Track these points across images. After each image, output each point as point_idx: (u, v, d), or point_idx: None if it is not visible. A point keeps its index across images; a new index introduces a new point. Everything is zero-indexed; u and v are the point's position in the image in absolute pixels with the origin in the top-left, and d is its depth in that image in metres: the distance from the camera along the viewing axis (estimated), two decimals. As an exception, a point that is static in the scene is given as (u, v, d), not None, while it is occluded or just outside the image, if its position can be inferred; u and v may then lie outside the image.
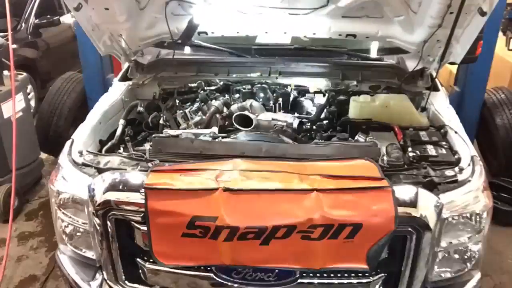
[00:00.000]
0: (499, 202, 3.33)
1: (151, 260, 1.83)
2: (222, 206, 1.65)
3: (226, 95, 2.72)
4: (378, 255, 1.70)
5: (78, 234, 2.01)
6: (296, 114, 2.57)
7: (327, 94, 2.70)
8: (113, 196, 1.78)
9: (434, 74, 2.63)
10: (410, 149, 2.02)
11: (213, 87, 2.77)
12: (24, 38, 5.56)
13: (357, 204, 1.65)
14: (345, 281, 1.82)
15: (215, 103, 2.58)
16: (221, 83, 2.79)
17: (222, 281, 1.85)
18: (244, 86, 2.72)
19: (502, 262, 3.03)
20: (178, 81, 2.85)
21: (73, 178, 1.95)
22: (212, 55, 3.07)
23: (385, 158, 1.93)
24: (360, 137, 2.24)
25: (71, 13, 2.47)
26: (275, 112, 2.61)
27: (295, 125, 2.38)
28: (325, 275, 1.83)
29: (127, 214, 1.80)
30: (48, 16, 5.83)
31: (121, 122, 2.42)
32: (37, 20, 5.75)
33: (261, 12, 2.67)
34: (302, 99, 2.78)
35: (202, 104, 2.63)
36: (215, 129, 2.23)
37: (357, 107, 2.41)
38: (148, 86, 2.84)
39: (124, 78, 2.86)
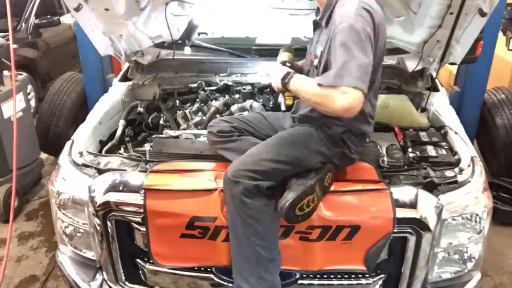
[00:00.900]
0: (499, 202, 3.33)
1: (151, 261, 1.83)
2: (221, 206, 1.65)
3: (226, 96, 2.72)
4: (376, 256, 1.71)
5: (78, 234, 2.01)
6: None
7: None
8: (113, 197, 1.79)
9: (434, 75, 2.63)
10: (410, 149, 2.02)
11: (213, 87, 2.76)
12: (24, 38, 5.55)
13: (355, 206, 1.66)
14: (345, 282, 1.82)
15: (215, 104, 2.58)
16: (222, 83, 2.79)
17: (222, 282, 1.85)
18: (244, 87, 2.72)
19: (502, 262, 3.03)
20: (178, 82, 2.85)
21: (73, 178, 1.95)
22: (212, 55, 3.07)
23: (385, 158, 1.94)
24: (360, 138, 2.24)
25: (71, 13, 2.46)
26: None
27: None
28: (325, 276, 1.83)
29: (127, 215, 1.80)
30: (48, 16, 5.82)
31: (121, 122, 2.42)
32: (37, 20, 5.74)
33: (261, 12, 2.67)
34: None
35: (202, 104, 2.63)
36: (215, 130, 2.23)
37: (357, 107, 2.41)
38: (148, 86, 2.84)
39: (124, 79, 2.86)
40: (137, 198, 1.74)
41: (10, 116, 3.37)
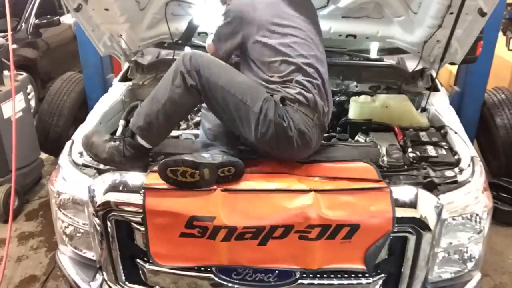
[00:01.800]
0: (499, 202, 3.33)
1: (151, 261, 1.83)
2: (220, 206, 1.66)
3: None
4: (376, 256, 1.71)
5: (78, 234, 2.01)
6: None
7: None
8: (113, 197, 1.78)
9: (434, 75, 2.63)
10: (410, 149, 2.02)
11: None
12: (24, 38, 5.56)
13: (355, 205, 1.66)
14: (345, 282, 1.82)
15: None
16: None
17: (222, 282, 1.85)
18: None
19: (502, 262, 3.03)
20: None
21: (73, 178, 1.95)
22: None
23: (385, 158, 1.94)
24: (360, 138, 2.24)
25: (71, 13, 2.46)
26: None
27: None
28: (325, 276, 1.83)
29: (127, 215, 1.80)
30: (48, 16, 5.82)
31: (121, 122, 2.42)
32: (37, 20, 5.74)
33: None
34: None
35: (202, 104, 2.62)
36: (215, 130, 2.23)
37: (357, 107, 2.41)
38: (148, 86, 2.83)
39: (124, 79, 2.86)
40: (137, 198, 1.73)
41: (10, 116, 3.37)
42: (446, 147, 2.07)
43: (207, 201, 1.67)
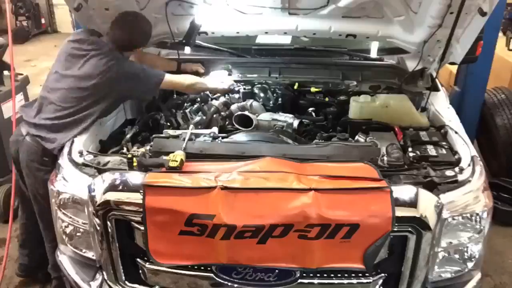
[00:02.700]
0: (499, 202, 3.33)
1: (151, 260, 1.83)
2: (219, 204, 1.66)
3: (226, 95, 2.71)
4: (375, 255, 1.71)
5: (78, 234, 2.00)
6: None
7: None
8: (113, 196, 1.78)
9: (434, 74, 2.63)
10: (410, 149, 2.02)
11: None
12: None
13: (354, 205, 1.65)
14: (345, 281, 1.82)
15: (215, 103, 2.58)
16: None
17: (222, 281, 1.85)
18: (244, 86, 2.72)
19: (502, 262, 3.03)
20: None
21: (73, 178, 1.95)
22: (212, 55, 3.07)
23: (385, 158, 1.93)
24: (360, 137, 2.24)
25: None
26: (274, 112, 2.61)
27: (295, 125, 2.38)
28: (325, 275, 1.83)
29: (127, 214, 1.80)
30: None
31: (136, 128, 2.41)
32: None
33: (261, 12, 2.67)
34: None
35: (202, 104, 2.63)
36: (215, 129, 2.23)
37: (357, 107, 2.41)
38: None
39: (124, 78, 2.85)
40: (137, 197, 1.73)
41: (10, 116, 3.37)
42: (446, 146, 2.07)
43: (207, 199, 1.67)
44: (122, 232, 1.87)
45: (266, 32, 2.82)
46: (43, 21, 11.10)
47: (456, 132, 2.14)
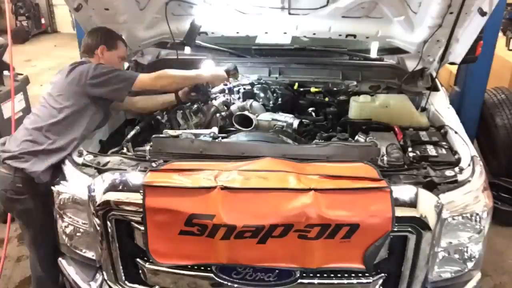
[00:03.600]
0: (499, 202, 3.33)
1: (151, 260, 1.83)
2: (219, 204, 1.65)
3: (226, 95, 2.71)
4: (375, 255, 1.71)
5: (78, 234, 2.01)
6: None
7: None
8: (113, 196, 1.78)
9: (434, 74, 2.63)
10: (410, 149, 2.02)
11: (216, 89, 2.76)
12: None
13: (354, 205, 1.65)
14: (345, 281, 1.82)
15: (215, 103, 2.57)
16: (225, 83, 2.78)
17: (222, 281, 1.85)
18: (244, 86, 2.72)
19: (502, 262, 3.03)
20: None
21: (73, 178, 1.95)
22: (212, 55, 3.07)
23: (385, 158, 1.93)
24: (360, 137, 2.24)
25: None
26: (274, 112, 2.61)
27: (295, 125, 2.38)
28: (325, 275, 1.83)
29: (127, 214, 1.80)
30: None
31: (137, 128, 2.40)
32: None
33: (261, 12, 2.67)
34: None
35: (202, 104, 2.63)
36: (215, 129, 2.23)
37: (357, 107, 2.41)
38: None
39: (124, 78, 2.85)
40: (137, 197, 1.73)
41: (10, 116, 3.37)
42: (446, 146, 2.07)
43: (207, 199, 1.67)
44: (122, 232, 1.87)
45: (266, 32, 2.82)
46: (43, 21, 11.10)
47: (456, 132, 2.14)
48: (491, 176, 3.74)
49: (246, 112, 2.48)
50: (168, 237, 1.72)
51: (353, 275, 1.82)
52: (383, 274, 1.84)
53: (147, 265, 1.90)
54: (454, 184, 1.80)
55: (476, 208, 1.79)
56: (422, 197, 1.70)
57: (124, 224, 1.85)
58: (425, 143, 2.09)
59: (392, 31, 2.64)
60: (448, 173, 1.84)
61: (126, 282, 1.98)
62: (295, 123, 2.38)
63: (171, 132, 2.20)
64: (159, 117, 2.52)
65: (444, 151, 2.02)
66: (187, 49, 3.05)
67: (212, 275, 1.85)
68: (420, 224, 1.69)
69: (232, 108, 2.56)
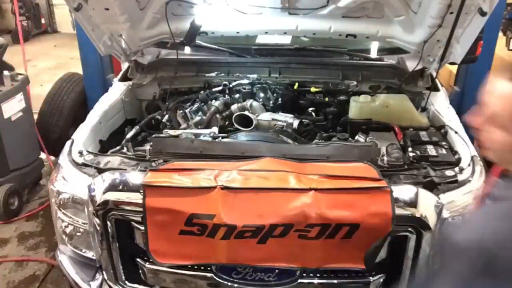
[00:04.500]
0: (499, 202, 3.32)
1: (151, 260, 1.83)
2: (219, 204, 1.65)
3: (226, 95, 2.71)
4: (375, 255, 1.71)
5: (78, 234, 2.00)
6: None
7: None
8: (113, 196, 1.78)
9: (434, 74, 2.63)
10: (410, 149, 2.02)
11: (216, 88, 2.76)
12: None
13: (354, 204, 1.65)
14: (345, 281, 1.82)
15: (215, 103, 2.58)
16: (222, 83, 2.78)
17: (222, 281, 1.85)
18: (244, 86, 2.72)
19: (502, 262, 3.02)
20: (178, 81, 2.85)
21: (73, 178, 1.95)
22: (212, 55, 3.07)
23: (385, 158, 1.93)
24: (360, 137, 2.24)
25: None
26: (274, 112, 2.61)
27: (295, 125, 2.38)
28: (325, 275, 1.83)
29: (127, 214, 1.80)
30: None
31: (136, 128, 2.40)
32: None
33: (261, 12, 2.67)
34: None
35: (202, 104, 2.63)
36: (215, 129, 2.23)
37: (357, 107, 2.41)
38: (148, 86, 2.84)
39: (124, 78, 2.86)
40: (137, 197, 1.73)
41: (10, 116, 3.38)
42: (446, 146, 2.06)
43: (207, 199, 1.67)
44: (122, 232, 1.87)
45: (266, 32, 2.82)
46: (43, 21, 11.09)
47: (456, 132, 2.14)
48: (491, 176, 3.73)
49: (246, 112, 2.48)
50: (168, 237, 1.72)
51: (353, 275, 1.82)
52: (383, 274, 1.84)
53: (147, 265, 1.90)
54: (454, 184, 1.80)
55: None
56: (422, 197, 1.70)
57: (124, 224, 1.85)
58: (425, 143, 2.09)
59: (392, 31, 2.64)
60: (448, 173, 1.84)
61: (126, 282, 1.98)
62: (295, 123, 2.38)
63: (171, 132, 2.21)
64: (159, 117, 2.52)
65: (444, 151, 2.02)
66: (187, 49, 3.06)
67: (212, 275, 1.85)
68: (420, 224, 1.69)
69: (232, 108, 2.56)
